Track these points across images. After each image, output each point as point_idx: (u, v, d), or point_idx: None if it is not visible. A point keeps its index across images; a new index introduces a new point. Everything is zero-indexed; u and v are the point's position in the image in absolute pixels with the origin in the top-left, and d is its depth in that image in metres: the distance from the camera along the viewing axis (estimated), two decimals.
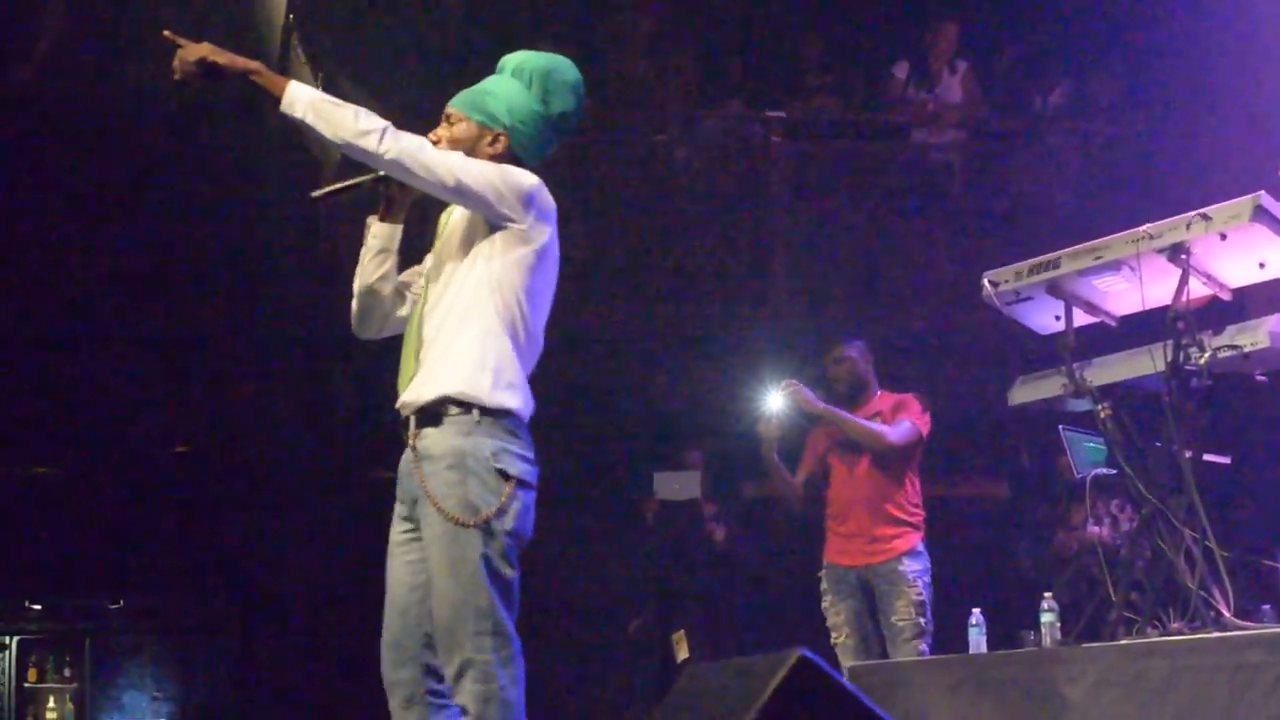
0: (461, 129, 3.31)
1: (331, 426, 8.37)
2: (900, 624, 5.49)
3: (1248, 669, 3.35)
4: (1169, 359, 4.04)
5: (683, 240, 8.39)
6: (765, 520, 8.01)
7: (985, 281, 4.62)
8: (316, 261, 7.97)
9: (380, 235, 3.34)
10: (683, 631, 7.22)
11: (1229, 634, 3.68)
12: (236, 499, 8.72)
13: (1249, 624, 3.86)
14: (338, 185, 3.29)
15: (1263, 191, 3.97)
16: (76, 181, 7.77)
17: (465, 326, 3.17)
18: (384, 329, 3.42)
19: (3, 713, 9.22)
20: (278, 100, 3.06)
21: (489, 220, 3.20)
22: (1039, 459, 7.72)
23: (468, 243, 3.24)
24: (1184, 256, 4.08)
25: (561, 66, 3.39)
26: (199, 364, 8.24)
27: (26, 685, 9.50)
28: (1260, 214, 3.95)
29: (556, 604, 7.55)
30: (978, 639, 4.89)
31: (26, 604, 9.35)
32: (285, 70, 6.75)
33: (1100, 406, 4.35)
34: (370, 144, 3.05)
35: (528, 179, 3.22)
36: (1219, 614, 3.88)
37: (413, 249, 3.43)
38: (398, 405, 3.23)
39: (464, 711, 3.05)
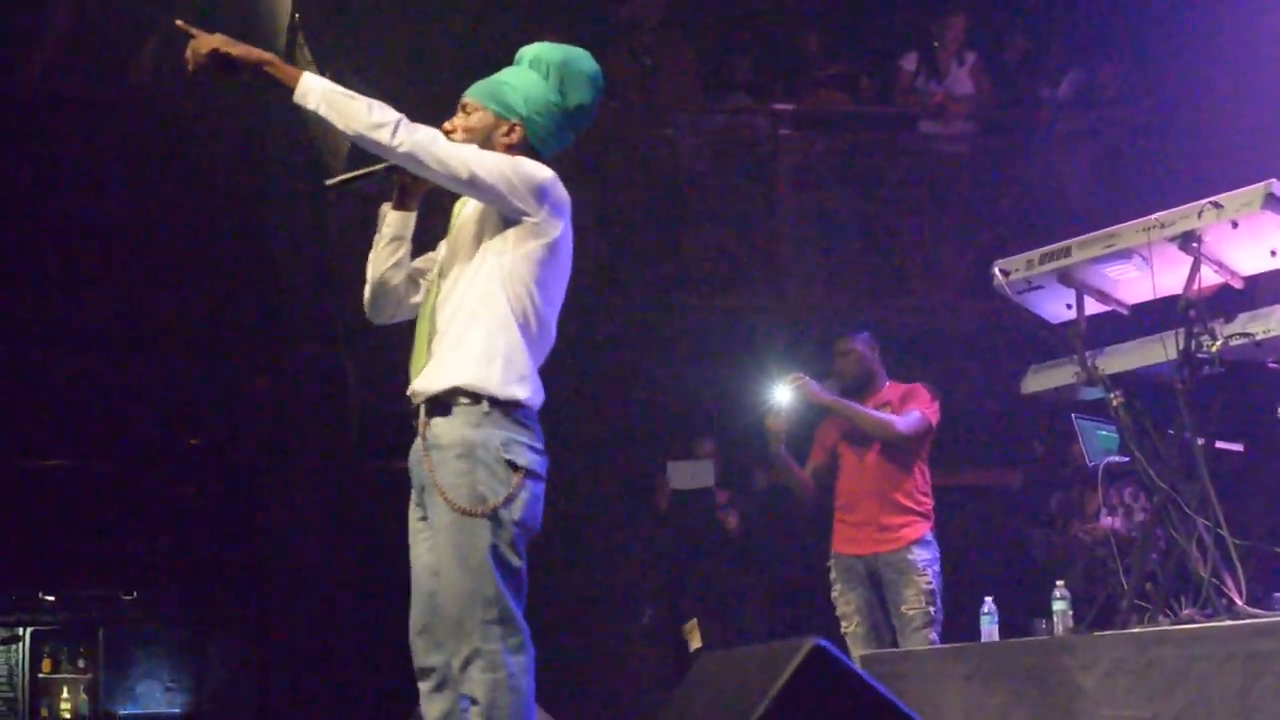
0: (477, 118, 3.31)
1: (344, 418, 8.38)
2: (910, 613, 5.48)
3: (1260, 657, 3.34)
4: (1181, 347, 4.03)
5: (693, 232, 8.40)
6: (778, 508, 8.01)
7: (996, 270, 4.60)
8: (326, 252, 7.98)
9: (394, 223, 3.35)
10: (695, 620, 7.22)
11: (1241, 622, 3.67)
12: (249, 490, 8.75)
13: (1261, 612, 3.86)
14: (352, 174, 3.31)
15: (1274, 179, 3.94)
16: (84, 174, 7.78)
17: (477, 319, 3.18)
18: (397, 315, 3.44)
19: (17, 703, 9.26)
20: (290, 92, 3.06)
21: (502, 213, 3.21)
22: (1052, 448, 7.70)
23: (480, 235, 3.24)
24: (1195, 244, 4.07)
25: (579, 58, 3.39)
26: (211, 357, 8.25)
27: (41, 676, 9.54)
28: (1272, 201, 3.93)
29: (569, 593, 7.55)
30: (990, 628, 4.90)
31: (40, 595, 9.38)
32: None
33: (1112, 395, 4.34)
34: (383, 137, 3.06)
35: (541, 172, 3.22)
36: (1231, 602, 3.87)
37: (425, 237, 3.44)
38: (409, 393, 3.24)
39: (473, 700, 3.05)
